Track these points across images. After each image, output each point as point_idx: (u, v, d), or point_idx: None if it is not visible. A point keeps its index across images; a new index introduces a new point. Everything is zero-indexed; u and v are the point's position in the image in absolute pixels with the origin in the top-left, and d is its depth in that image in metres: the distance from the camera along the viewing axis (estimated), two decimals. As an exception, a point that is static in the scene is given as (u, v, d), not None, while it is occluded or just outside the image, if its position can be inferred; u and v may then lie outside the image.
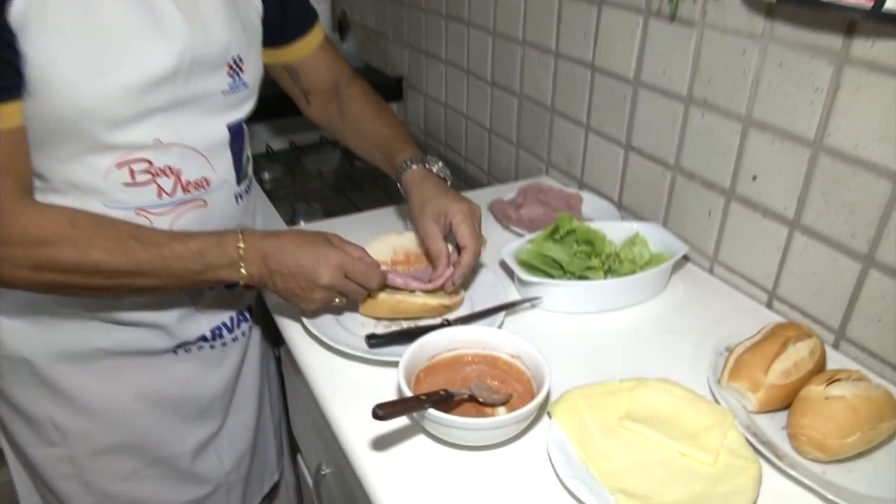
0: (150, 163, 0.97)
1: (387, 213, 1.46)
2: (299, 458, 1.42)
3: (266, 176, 1.87)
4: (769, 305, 1.17)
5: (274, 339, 1.38)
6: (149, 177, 0.98)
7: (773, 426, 0.91)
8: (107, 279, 0.91)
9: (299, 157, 2.01)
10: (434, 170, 1.16)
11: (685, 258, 1.30)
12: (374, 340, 1.03)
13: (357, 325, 1.10)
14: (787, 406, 0.92)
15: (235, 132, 1.07)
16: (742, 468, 0.83)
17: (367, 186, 1.86)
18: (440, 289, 1.10)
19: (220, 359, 1.21)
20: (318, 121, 1.32)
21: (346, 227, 1.41)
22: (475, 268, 1.20)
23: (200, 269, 0.95)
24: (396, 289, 1.09)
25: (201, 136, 1.02)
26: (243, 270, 0.97)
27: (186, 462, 1.21)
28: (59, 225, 0.88)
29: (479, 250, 1.08)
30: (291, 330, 1.11)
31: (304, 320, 1.07)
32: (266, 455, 1.42)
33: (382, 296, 1.07)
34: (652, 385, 0.94)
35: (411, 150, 1.17)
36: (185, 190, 1.02)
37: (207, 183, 1.04)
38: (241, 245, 0.97)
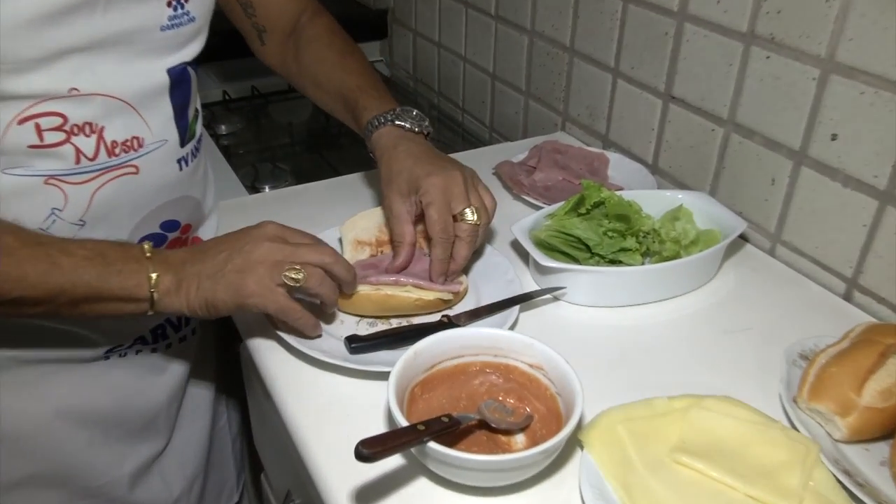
0: (63, 118, 0.84)
1: (371, 178, 1.34)
2: (262, 477, 1.30)
3: (223, 129, 1.74)
4: (848, 297, 1.05)
5: (233, 333, 1.26)
6: (62, 136, 0.84)
7: (867, 461, 0.80)
8: None
9: (264, 106, 1.89)
10: (406, 126, 1.04)
11: (739, 236, 1.17)
12: (356, 345, 0.91)
13: (335, 323, 0.98)
14: (884, 435, 0.81)
15: (178, 79, 0.94)
16: (834, 519, 0.71)
17: (347, 143, 1.74)
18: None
19: (164, 363, 1.09)
20: (273, 65, 1.21)
21: (320, 195, 1.28)
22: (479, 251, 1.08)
23: (98, 272, 0.81)
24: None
25: (131, 82, 0.88)
26: (153, 273, 0.84)
27: (123, 490, 1.09)
28: None
29: (461, 233, 0.97)
30: (251, 327, 0.99)
31: (267, 314, 0.94)
32: (223, 473, 1.31)
33: (364, 288, 0.95)
34: (711, 406, 0.82)
35: (379, 104, 1.06)
36: (110, 153, 0.88)
37: (139, 143, 0.91)
38: (147, 247, 0.85)
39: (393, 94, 1.12)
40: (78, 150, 0.86)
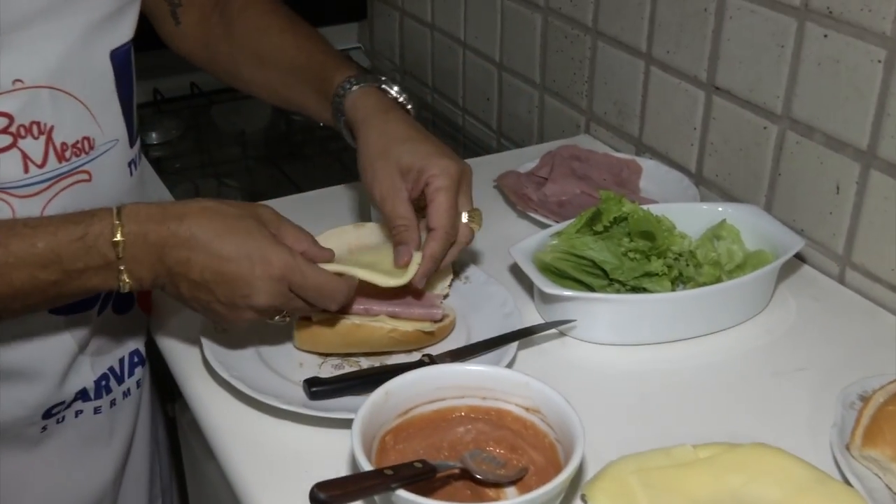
0: (9, 118, 0.96)
1: (340, 194, 1.47)
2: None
3: (154, 137, 1.85)
4: (932, 331, 1.17)
5: (165, 387, 1.38)
6: (8, 140, 0.97)
7: (934, 517, 0.91)
8: None
9: (206, 107, 2.00)
10: (393, 93, 1.16)
11: (800, 258, 1.30)
12: (318, 388, 1.03)
13: (292, 365, 1.10)
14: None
15: (122, 63, 1.07)
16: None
17: (312, 153, 1.85)
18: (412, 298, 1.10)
19: (110, 428, 1.19)
20: (190, 53, 1.30)
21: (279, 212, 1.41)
22: (464, 274, 1.22)
23: (57, 279, 0.92)
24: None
25: (77, 70, 1.01)
26: (125, 277, 0.95)
27: None
28: None
29: (461, 236, 1.09)
30: (190, 373, 1.10)
31: (210, 358, 1.06)
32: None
33: (327, 317, 1.08)
34: (744, 455, 0.94)
35: (352, 67, 1.17)
36: (60, 157, 1.01)
37: (90, 145, 1.04)
38: (119, 236, 0.92)
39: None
40: (25, 156, 0.99)
